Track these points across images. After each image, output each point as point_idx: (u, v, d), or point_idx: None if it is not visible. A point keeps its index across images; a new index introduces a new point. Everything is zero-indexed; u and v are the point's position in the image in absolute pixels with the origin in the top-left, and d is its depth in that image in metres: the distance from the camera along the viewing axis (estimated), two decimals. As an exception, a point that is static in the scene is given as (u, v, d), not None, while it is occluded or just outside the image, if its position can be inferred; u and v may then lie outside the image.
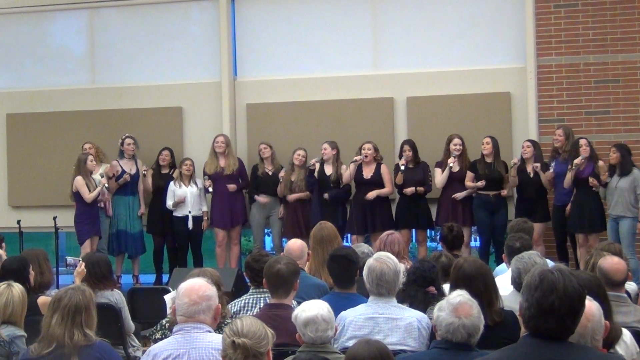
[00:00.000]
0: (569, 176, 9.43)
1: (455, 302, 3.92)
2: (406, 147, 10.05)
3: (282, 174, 10.33)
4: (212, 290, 4.09)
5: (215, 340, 3.88)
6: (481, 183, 9.76)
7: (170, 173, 10.74)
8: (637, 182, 9.18)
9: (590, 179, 9.34)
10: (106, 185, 10.21)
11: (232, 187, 10.37)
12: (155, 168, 10.85)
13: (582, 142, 9.45)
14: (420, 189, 9.95)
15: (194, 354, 3.95)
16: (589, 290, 3.74)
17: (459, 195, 9.87)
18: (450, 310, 3.88)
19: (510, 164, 9.78)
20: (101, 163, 10.60)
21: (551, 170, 9.70)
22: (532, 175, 9.71)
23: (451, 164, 9.87)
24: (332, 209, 9.87)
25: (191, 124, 11.26)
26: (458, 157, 9.91)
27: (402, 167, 9.89)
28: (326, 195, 9.98)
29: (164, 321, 4.99)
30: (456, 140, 9.94)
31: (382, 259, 4.91)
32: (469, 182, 9.90)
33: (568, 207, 9.59)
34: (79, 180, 10.10)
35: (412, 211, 10.02)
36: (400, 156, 10.10)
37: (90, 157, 10.20)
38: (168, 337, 4.20)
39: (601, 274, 4.88)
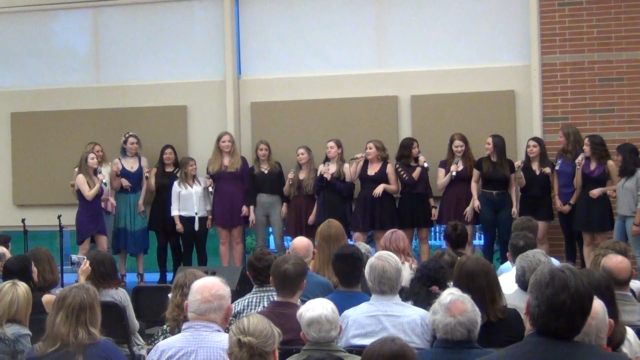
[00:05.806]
0: (577, 176, 9.44)
1: (447, 301, 3.89)
2: (415, 144, 10.06)
3: (291, 175, 10.30)
4: (225, 290, 4.07)
5: (224, 340, 3.83)
6: (477, 206, 9.77)
7: (175, 172, 10.73)
8: (638, 182, 9.14)
9: (591, 192, 9.33)
10: (104, 181, 10.21)
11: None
12: (159, 167, 10.84)
13: (585, 141, 9.45)
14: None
15: (202, 353, 3.94)
16: (598, 290, 3.73)
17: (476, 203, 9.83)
18: (444, 311, 3.86)
19: (515, 167, 9.72)
20: (105, 163, 10.61)
21: (556, 167, 9.69)
22: (538, 173, 9.69)
23: (454, 172, 9.86)
24: (336, 208, 9.84)
25: (195, 122, 11.25)
26: (462, 156, 9.90)
27: (426, 165, 9.91)
28: (327, 175, 9.97)
29: (164, 326, 4.96)
30: (457, 142, 9.92)
31: (383, 257, 4.94)
32: (475, 184, 9.88)
33: (563, 205, 9.58)
34: (80, 178, 10.13)
35: (414, 209, 10.01)
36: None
37: (92, 155, 10.21)
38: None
39: (606, 273, 4.87)
